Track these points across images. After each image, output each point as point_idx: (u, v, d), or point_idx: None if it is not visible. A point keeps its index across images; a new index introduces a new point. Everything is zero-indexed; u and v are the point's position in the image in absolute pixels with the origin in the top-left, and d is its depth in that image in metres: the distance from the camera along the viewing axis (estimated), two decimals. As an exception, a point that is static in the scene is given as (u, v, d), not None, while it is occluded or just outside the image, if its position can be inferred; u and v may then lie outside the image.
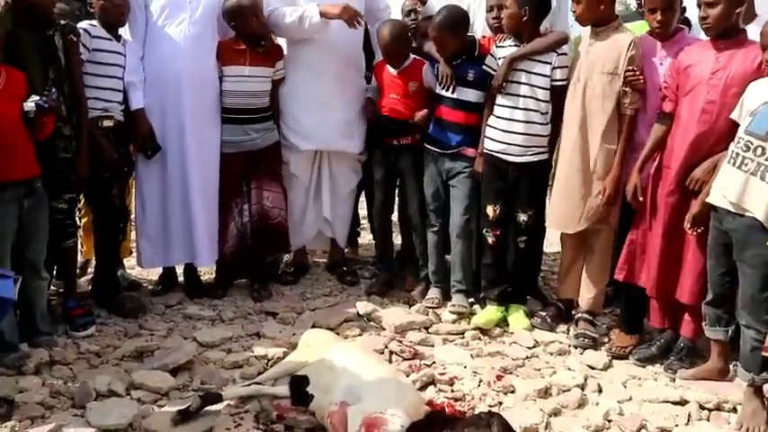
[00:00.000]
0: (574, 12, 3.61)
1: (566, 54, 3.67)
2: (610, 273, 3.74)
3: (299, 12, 4.05)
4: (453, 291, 4.08)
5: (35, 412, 2.84)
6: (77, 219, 4.13)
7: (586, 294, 3.79)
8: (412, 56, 4.13)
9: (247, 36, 4.09)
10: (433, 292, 4.14)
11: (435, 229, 4.13)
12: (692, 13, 3.55)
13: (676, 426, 2.87)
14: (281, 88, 4.29)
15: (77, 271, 4.23)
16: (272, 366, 3.23)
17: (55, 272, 3.91)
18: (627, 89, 3.45)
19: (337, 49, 4.18)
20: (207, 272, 4.60)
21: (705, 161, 3.18)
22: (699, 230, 3.18)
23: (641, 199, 3.42)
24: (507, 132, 3.73)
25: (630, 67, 3.42)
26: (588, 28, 3.61)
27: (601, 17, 3.53)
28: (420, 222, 4.25)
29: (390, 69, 4.14)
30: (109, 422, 2.76)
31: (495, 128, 3.78)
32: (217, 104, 4.13)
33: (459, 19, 3.88)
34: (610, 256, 3.75)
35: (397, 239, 4.73)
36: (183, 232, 4.14)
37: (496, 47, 3.83)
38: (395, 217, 4.63)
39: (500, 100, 3.76)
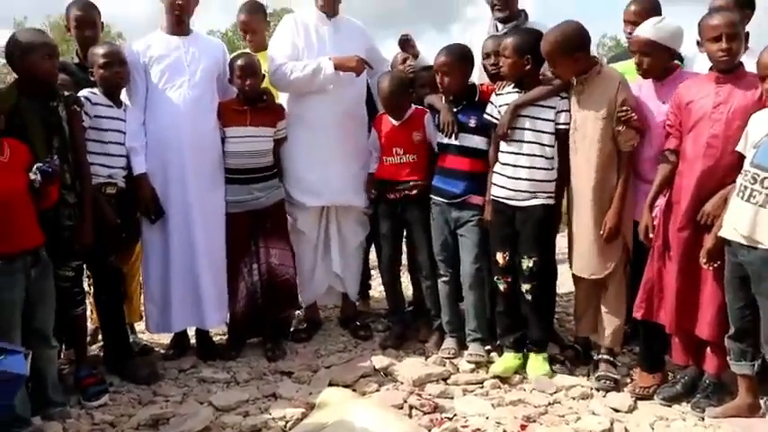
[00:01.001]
0: (552, 71, 3.65)
1: (567, 98, 3.67)
2: (627, 310, 3.69)
3: (312, 65, 4.11)
4: (469, 340, 4.02)
5: (53, 489, 2.79)
6: (86, 286, 4.10)
7: (606, 331, 3.72)
8: (414, 106, 4.16)
9: (251, 93, 4.11)
10: (449, 342, 4.08)
11: (446, 279, 4.09)
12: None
13: (711, 467, 2.80)
14: (285, 146, 4.31)
15: (89, 338, 4.19)
16: (291, 429, 3.16)
17: (65, 342, 3.87)
18: (620, 128, 3.45)
19: (339, 103, 4.22)
20: (219, 333, 4.55)
21: (715, 195, 3.17)
22: (715, 265, 3.15)
23: (652, 236, 3.39)
24: (512, 179, 3.72)
25: (623, 108, 3.43)
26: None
27: (580, 70, 3.56)
28: (430, 272, 4.21)
29: (392, 121, 4.15)
30: (128, 495, 2.70)
31: (501, 174, 3.77)
32: (219, 166, 4.14)
33: (466, 50, 3.94)
34: (625, 290, 3.70)
35: (409, 290, 4.69)
36: (188, 296, 4.11)
37: (496, 95, 3.84)
38: (405, 267, 4.60)
39: (504, 146, 3.76)
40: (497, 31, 4.19)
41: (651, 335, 3.56)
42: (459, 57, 3.89)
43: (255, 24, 4.87)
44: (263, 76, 4.21)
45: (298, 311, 4.76)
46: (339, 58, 4.09)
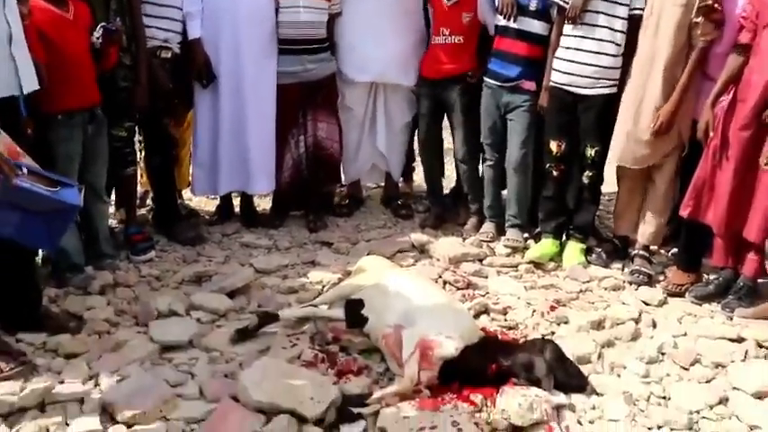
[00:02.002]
0: None
1: None
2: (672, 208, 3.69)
3: None
4: (508, 225, 4.08)
5: (102, 328, 2.99)
6: (138, 150, 4.22)
7: (647, 229, 3.74)
8: None
9: None
10: (488, 226, 4.15)
11: (491, 163, 4.12)
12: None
13: (732, 362, 2.84)
14: (339, 20, 4.27)
15: (138, 201, 4.35)
16: (327, 290, 3.30)
17: (115, 202, 4.04)
18: (699, 20, 3.32)
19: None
20: (263, 204, 4.69)
21: None
22: None
23: (711, 135, 3.31)
24: (576, 63, 3.63)
25: None
26: None
27: None
28: (468, 156, 4.24)
29: (444, 1, 4.07)
30: (170, 338, 2.89)
31: (563, 59, 3.69)
32: (273, 35, 4.14)
33: None
34: (673, 190, 3.69)
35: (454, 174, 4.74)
36: (235, 161, 4.21)
37: None
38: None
39: (570, 30, 3.65)
40: None
41: (693, 234, 3.54)
42: None
43: None
44: None
45: (341, 188, 4.86)
46: None
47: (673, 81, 3.46)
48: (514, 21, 3.84)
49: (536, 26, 3.84)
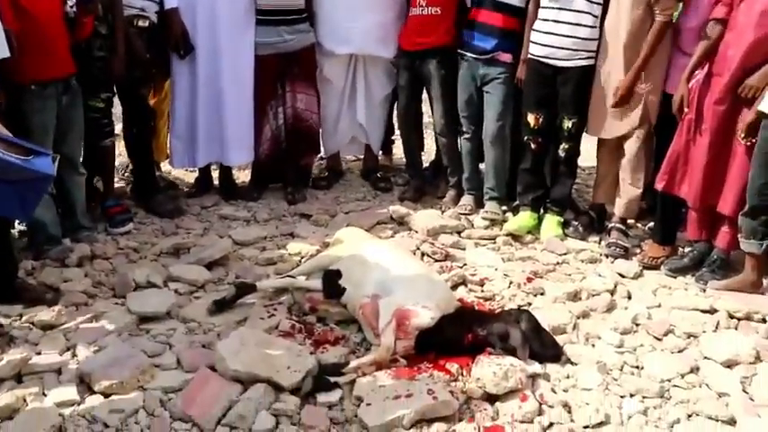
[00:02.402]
0: None
1: None
2: (647, 182, 3.73)
3: None
4: (486, 198, 4.10)
5: (79, 300, 2.99)
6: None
7: (621, 200, 3.77)
8: None
9: None
10: (466, 199, 4.17)
11: (468, 136, 4.12)
12: None
13: (704, 332, 2.88)
14: (317, -8, 4.24)
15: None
16: (305, 262, 3.31)
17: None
18: None
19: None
20: (242, 176, 4.67)
21: (762, 68, 3.05)
22: (753, 140, 3.07)
23: (687, 110, 3.33)
24: (554, 35, 3.63)
25: None
26: None
27: None
28: (446, 129, 4.24)
29: None
30: (148, 310, 2.89)
31: (541, 31, 3.68)
32: (250, 5, 4.10)
33: None
34: (645, 162, 3.71)
35: (433, 148, 4.74)
36: (213, 132, 4.19)
37: None
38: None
39: (547, 2, 3.64)
40: None
41: (668, 207, 3.58)
42: None
43: None
44: None
45: (320, 160, 4.86)
46: None
47: (633, 56, 3.49)
48: None
49: None
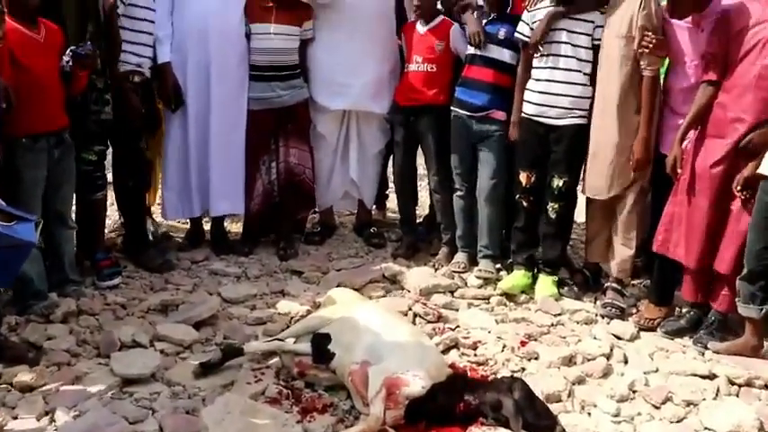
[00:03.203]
0: None
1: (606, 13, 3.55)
2: (641, 241, 3.67)
3: None
4: (480, 256, 4.04)
5: (62, 359, 2.90)
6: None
7: (614, 261, 3.71)
8: (442, 16, 4.06)
9: None
10: (460, 257, 4.10)
11: (461, 193, 4.08)
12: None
13: (704, 399, 2.79)
14: (311, 47, 4.25)
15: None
16: (295, 323, 3.23)
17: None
18: (641, 51, 3.33)
19: (369, 7, 4.12)
20: (234, 229, 4.62)
21: (764, 126, 3.03)
22: (747, 195, 3.04)
23: (680, 171, 3.30)
24: (547, 94, 3.62)
25: (646, 30, 3.29)
26: None
27: None
28: (440, 186, 4.20)
29: (419, 28, 4.07)
30: (132, 371, 2.79)
31: (534, 90, 3.68)
32: (243, 61, 4.11)
33: None
34: (637, 222, 3.65)
35: (427, 202, 4.69)
36: (202, 185, 4.17)
37: (528, 11, 3.68)
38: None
39: (538, 62, 3.65)
40: None
41: (665, 268, 3.51)
42: None
43: None
44: None
45: (313, 214, 4.81)
46: None
47: (626, 113, 3.47)
48: (483, 49, 3.82)
49: (505, 55, 3.83)
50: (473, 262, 4.07)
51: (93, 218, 3.89)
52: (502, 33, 3.81)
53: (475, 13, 3.88)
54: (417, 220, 4.68)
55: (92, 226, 3.90)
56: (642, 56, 3.35)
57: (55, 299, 3.37)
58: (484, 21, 3.85)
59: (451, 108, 4.00)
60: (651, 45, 3.29)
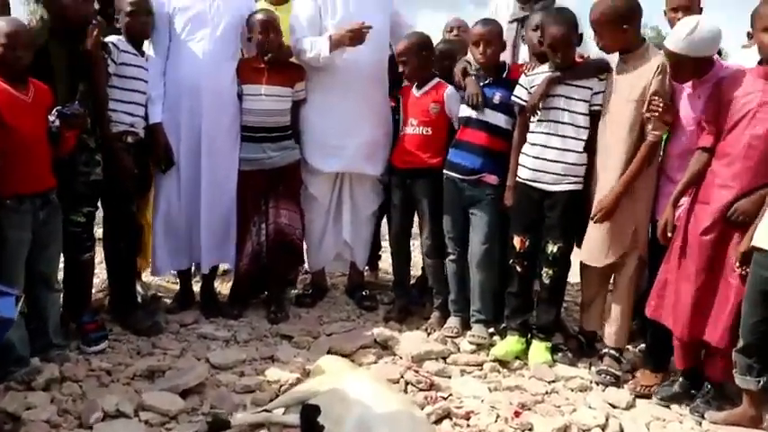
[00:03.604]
0: (597, 43, 3.49)
1: (605, 80, 3.55)
2: (636, 307, 3.61)
3: (315, 50, 4.01)
4: (473, 320, 3.97)
5: (41, 430, 2.79)
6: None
7: (610, 329, 3.65)
8: (437, 79, 4.07)
9: (263, 51, 4.06)
10: (452, 321, 4.04)
11: (454, 257, 4.03)
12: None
13: (702, 474, 2.73)
14: (304, 108, 4.25)
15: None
16: (283, 393, 3.15)
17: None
18: (648, 116, 3.32)
19: (362, 69, 4.10)
20: (224, 292, 4.55)
21: (754, 193, 3.00)
22: (746, 270, 2.97)
23: (670, 235, 3.27)
24: (542, 160, 3.60)
25: (656, 96, 3.28)
26: (615, 56, 3.51)
27: (626, 44, 3.41)
28: (432, 251, 4.15)
29: (414, 91, 4.09)
30: (114, 445, 2.70)
31: (529, 155, 3.66)
32: (235, 122, 4.11)
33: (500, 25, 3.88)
34: (634, 291, 3.61)
35: (420, 264, 4.64)
36: (191, 239, 4.15)
37: (526, 75, 3.70)
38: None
39: (535, 126, 3.64)
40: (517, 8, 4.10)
41: (659, 333, 3.44)
42: (499, 30, 3.83)
43: None
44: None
45: (304, 274, 4.76)
46: (335, 35, 3.96)
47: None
48: (481, 111, 3.82)
49: (499, 119, 3.83)
50: (466, 326, 4.00)
51: (80, 279, 3.81)
52: (497, 97, 3.82)
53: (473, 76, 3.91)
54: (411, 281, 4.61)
55: (78, 287, 3.83)
56: (649, 120, 3.34)
57: (37, 364, 3.26)
58: (480, 84, 3.87)
59: (444, 171, 3.99)
60: (660, 110, 3.27)
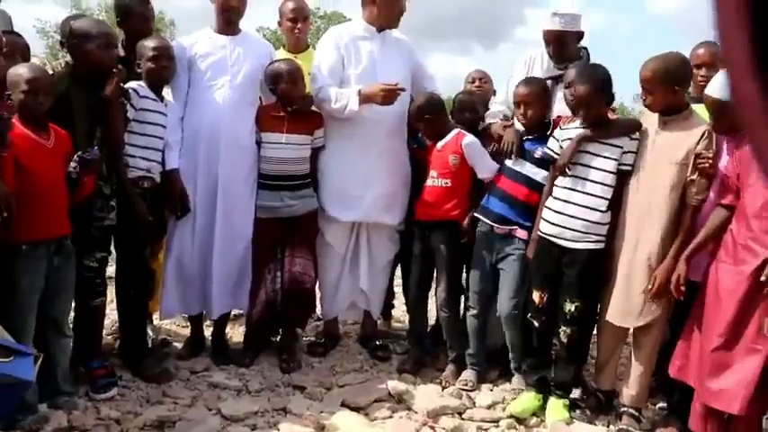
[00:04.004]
0: (644, 100, 3.43)
1: (637, 139, 3.47)
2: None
3: (341, 101, 3.97)
4: (514, 368, 3.93)
5: (48, 482, 2.70)
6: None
7: (630, 391, 3.53)
8: (457, 130, 4.01)
9: (287, 102, 4.02)
10: (468, 375, 3.94)
11: (475, 312, 3.92)
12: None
13: None
14: (322, 157, 4.19)
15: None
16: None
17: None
18: (695, 177, 3.23)
19: (382, 120, 4.05)
20: (236, 338, 4.46)
21: None
22: None
23: (683, 289, 3.18)
24: (565, 216, 3.51)
25: (703, 155, 3.19)
26: (652, 116, 3.43)
27: (673, 105, 3.33)
28: (448, 304, 4.05)
29: (437, 144, 4.03)
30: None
31: (552, 210, 3.57)
32: (252, 170, 4.06)
33: (545, 84, 3.85)
34: (657, 353, 3.52)
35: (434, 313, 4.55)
36: (202, 285, 4.07)
37: (561, 129, 3.63)
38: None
39: (561, 181, 3.56)
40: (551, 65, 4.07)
41: (682, 392, 3.34)
42: (543, 89, 3.77)
43: (307, 11, 4.70)
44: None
45: (316, 321, 4.69)
46: (366, 90, 3.91)
47: (670, 242, 3.34)
48: (515, 162, 3.76)
49: (539, 174, 3.74)
50: (481, 380, 3.92)
51: (91, 324, 3.73)
52: (539, 152, 3.74)
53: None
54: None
55: (89, 332, 3.75)
56: (693, 183, 3.24)
57: (45, 411, 3.18)
58: (522, 137, 3.80)
59: (475, 214, 3.90)
60: (708, 165, 3.17)
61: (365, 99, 3.91)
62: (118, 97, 3.54)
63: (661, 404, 3.74)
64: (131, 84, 3.74)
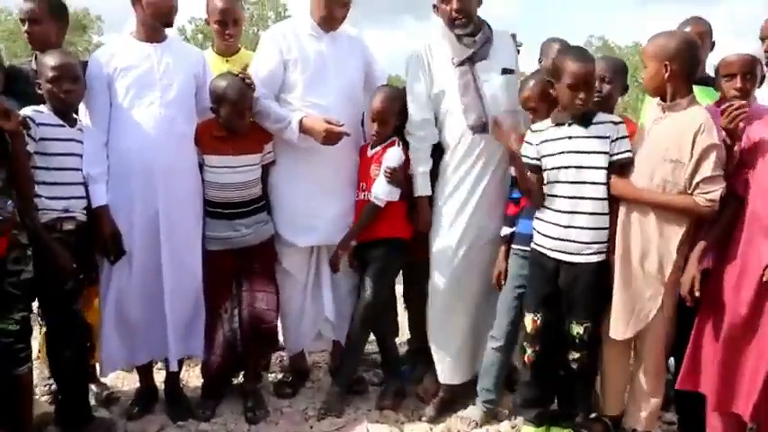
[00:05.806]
0: (642, 79, 2.94)
1: (622, 122, 2.96)
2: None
3: (279, 124, 3.38)
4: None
5: None
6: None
7: (638, 412, 3.02)
8: (395, 137, 3.45)
9: (228, 129, 3.37)
10: (472, 412, 3.40)
11: (500, 345, 3.29)
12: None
13: None
14: (272, 175, 3.54)
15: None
16: None
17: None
18: (698, 180, 2.73)
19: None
20: (192, 383, 3.82)
21: None
22: None
23: (697, 294, 2.75)
24: (561, 227, 2.97)
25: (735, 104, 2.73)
26: (655, 107, 2.93)
27: (664, 86, 2.84)
28: (359, 327, 3.51)
29: (368, 150, 3.50)
30: None
31: (546, 221, 3.03)
32: (197, 197, 3.39)
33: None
34: (664, 367, 3.06)
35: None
36: (149, 331, 3.39)
37: (531, 131, 3.08)
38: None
39: (549, 189, 3.02)
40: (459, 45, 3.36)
41: (689, 411, 3.02)
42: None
43: (238, 12, 4.00)
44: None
45: (280, 355, 4.07)
46: (309, 123, 3.32)
47: (666, 247, 2.87)
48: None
49: None
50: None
51: (17, 397, 3.00)
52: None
53: None
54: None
55: (15, 406, 3.04)
56: (698, 186, 2.75)
57: None
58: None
59: (512, 246, 3.29)
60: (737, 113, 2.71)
61: (306, 131, 3.32)
62: (18, 127, 2.84)
63: (669, 416, 3.31)
64: (26, 110, 2.99)
